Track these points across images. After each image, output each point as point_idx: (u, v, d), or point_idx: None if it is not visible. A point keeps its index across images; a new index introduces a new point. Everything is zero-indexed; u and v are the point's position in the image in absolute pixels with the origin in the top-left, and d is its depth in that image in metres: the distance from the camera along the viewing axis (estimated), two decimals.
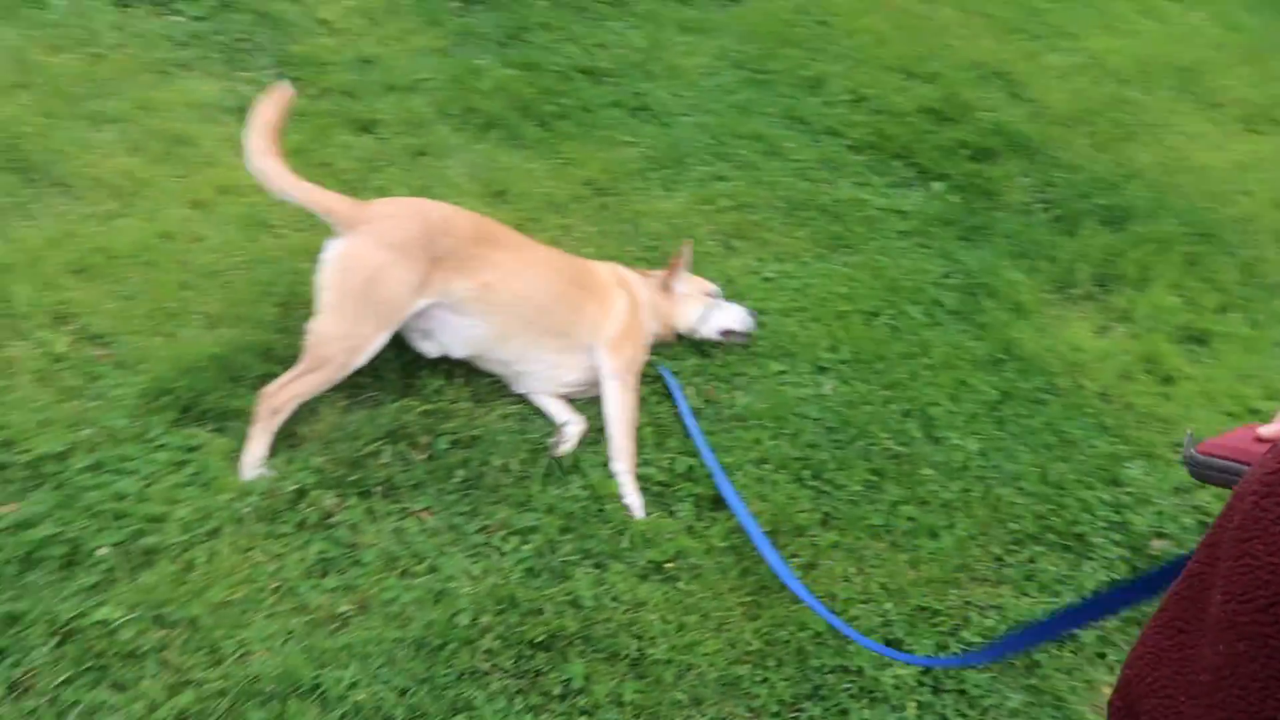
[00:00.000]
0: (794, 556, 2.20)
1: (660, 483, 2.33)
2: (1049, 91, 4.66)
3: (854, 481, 2.40)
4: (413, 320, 2.31)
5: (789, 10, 5.02)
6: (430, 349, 2.42)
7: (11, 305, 2.37)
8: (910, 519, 2.34)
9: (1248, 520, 0.75)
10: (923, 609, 2.14)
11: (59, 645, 1.76)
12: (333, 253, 2.24)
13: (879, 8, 5.27)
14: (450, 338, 2.39)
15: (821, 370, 2.77)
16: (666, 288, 2.72)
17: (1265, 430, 1.06)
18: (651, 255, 3.08)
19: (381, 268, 2.19)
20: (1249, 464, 1.06)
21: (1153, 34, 5.59)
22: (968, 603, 2.18)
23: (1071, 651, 2.15)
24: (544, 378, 2.46)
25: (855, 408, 2.63)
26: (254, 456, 2.14)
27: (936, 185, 3.82)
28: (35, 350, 2.27)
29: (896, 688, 1.98)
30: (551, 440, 2.34)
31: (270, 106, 2.24)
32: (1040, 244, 3.52)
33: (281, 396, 2.17)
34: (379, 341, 2.23)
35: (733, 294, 2.99)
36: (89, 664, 1.75)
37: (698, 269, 3.07)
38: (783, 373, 2.74)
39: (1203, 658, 0.79)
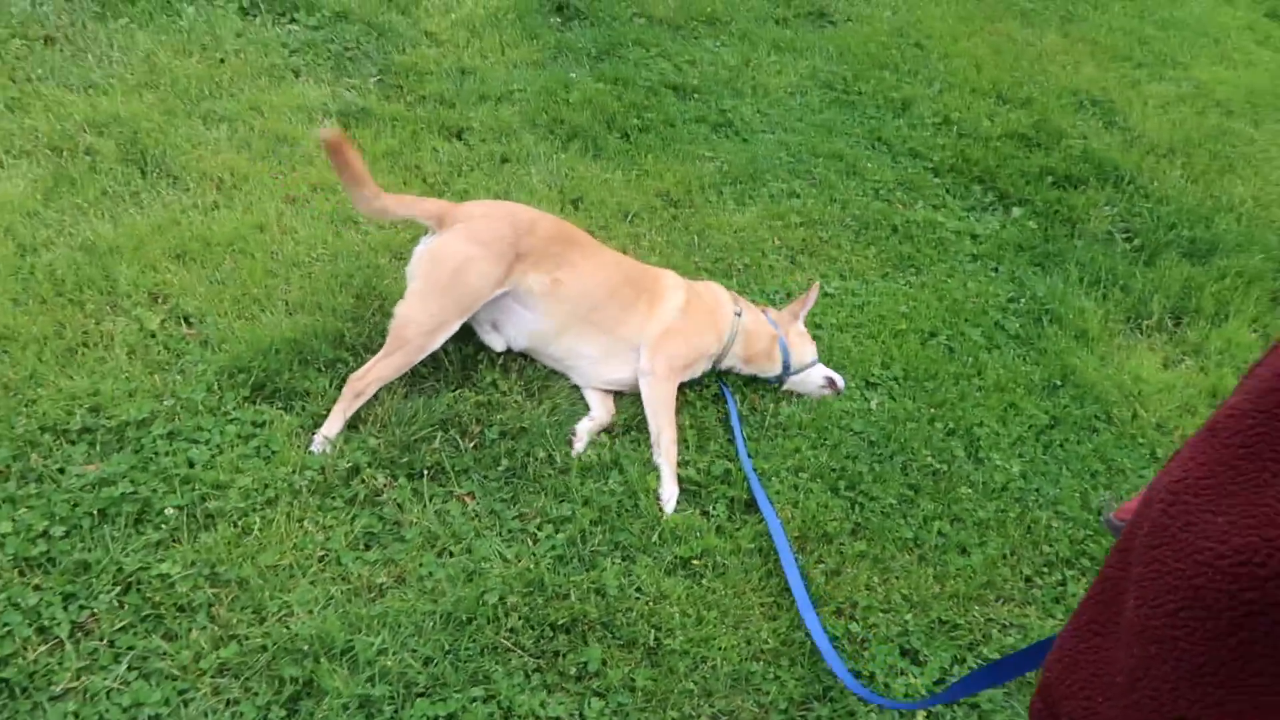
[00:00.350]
0: (819, 562, 2.23)
1: (696, 482, 2.39)
2: (1147, 120, 4.52)
3: (889, 495, 2.41)
4: (484, 312, 2.48)
5: (886, 33, 5.02)
6: (496, 342, 2.57)
7: (115, 284, 2.59)
8: (941, 534, 2.33)
9: (1156, 527, 0.77)
10: (943, 622, 2.14)
11: (122, 594, 1.93)
12: (426, 246, 2.44)
13: (980, 33, 5.21)
14: (515, 330, 2.56)
15: (871, 386, 2.78)
16: (795, 316, 2.77)
17: None
18: (716, 267, 3.15)
19: (469, 260, 2.39)
20: None
21: (1270, 65, 5.35)
22: (990, 620, 2.16)
23: None
24: (591, 373, 2.56)
25: (899, 423, 2.63)
26: (330, 432, 2.31)
27: (1016, 210, 3.77)
28: (131, 326, 2.49)
29: (907, 695, 1.99)
30: (569, 436, 2.44)
31: (346, 158, 2.42)
32: (1116, 273, 3.43)
33: (367, 380, 2.34)
34: (453, 328, 2.40)
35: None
36: (146, 613, 1.91)
37: (760, 280, 3.12)
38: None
39: (1117, 660, 0.81)
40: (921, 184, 3.85)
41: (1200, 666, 0.72)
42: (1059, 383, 2.93)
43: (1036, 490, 2.52)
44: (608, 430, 2.51)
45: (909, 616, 2.14)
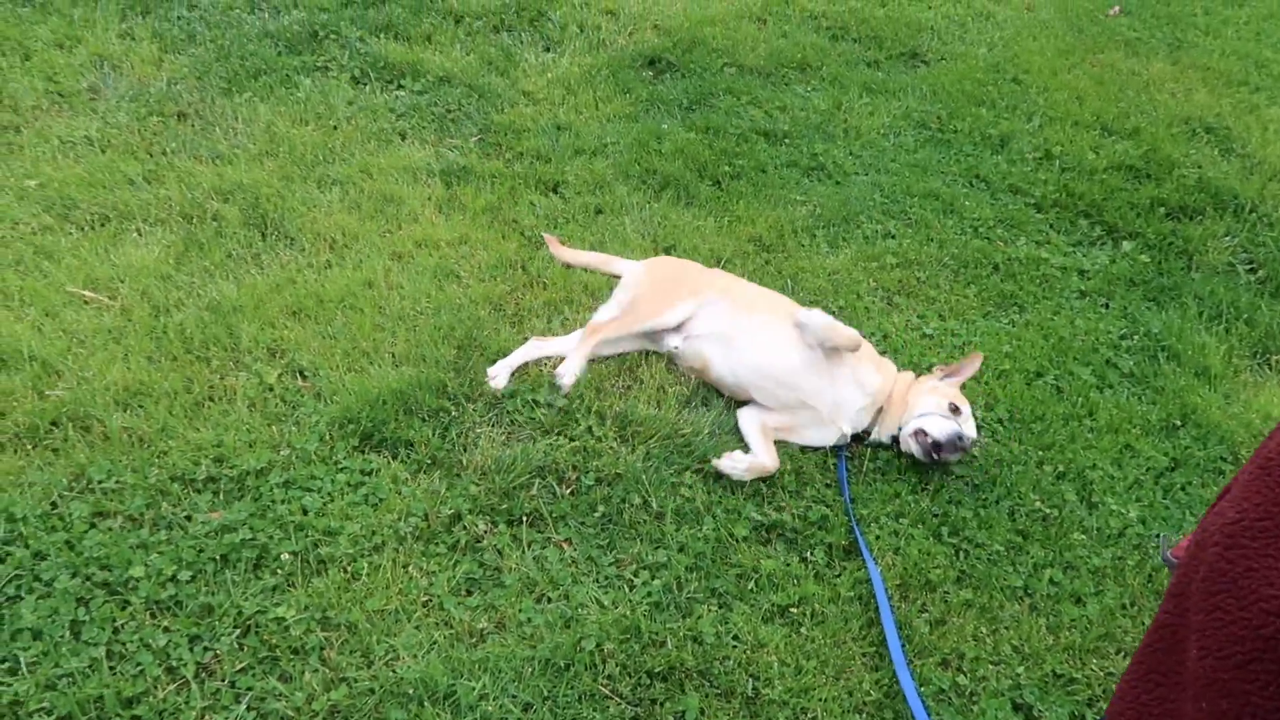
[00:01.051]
0: (923, 611, 2.17)
1: (793, 528, 2.37)
2: (1267, 146, 4.32)
3: (995, 541, 2.34)
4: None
5: (981, 70, 4.95)
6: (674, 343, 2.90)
7: (238, 341, 2.76)
8: (1053, 583, 2.25)
9: (1214, 572, 0.73)
10: (1058, 675, 2.05)
11: (242, 636, 2.03)
12: (636, 267, 3.04)
13: (1081, 65, 5.09)
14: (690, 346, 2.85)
15: (975, 428, 2.71)
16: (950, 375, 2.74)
17: None
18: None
19: (684, 266, 3.02)
20: None
21: None
22: (1109, 674, 2.06)
23: None
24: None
25: (1005, 467, 2.55)
26: (574, 369, 2.74)
27: (1126, 244, 3.64)
28: (252, 380, 2.64)
29: None
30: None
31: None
32: (1239, 306, 3.27)
33: (601, 329, 2.81)
34: (675, 312, 2.83)
35: (890, 348, 2.99)
36: (264, 655, 2.00)
37: (856, 322, 3.10)
38: None
39: (1186, 713, 0.77)
40: (1023, 220, 3.76)
41: None
42: (1179, 423, 2.80)
43: (1157, 535, 2.40)
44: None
45: (1021, 669, 2.07)
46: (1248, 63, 5.20)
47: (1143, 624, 2.19)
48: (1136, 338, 3.13)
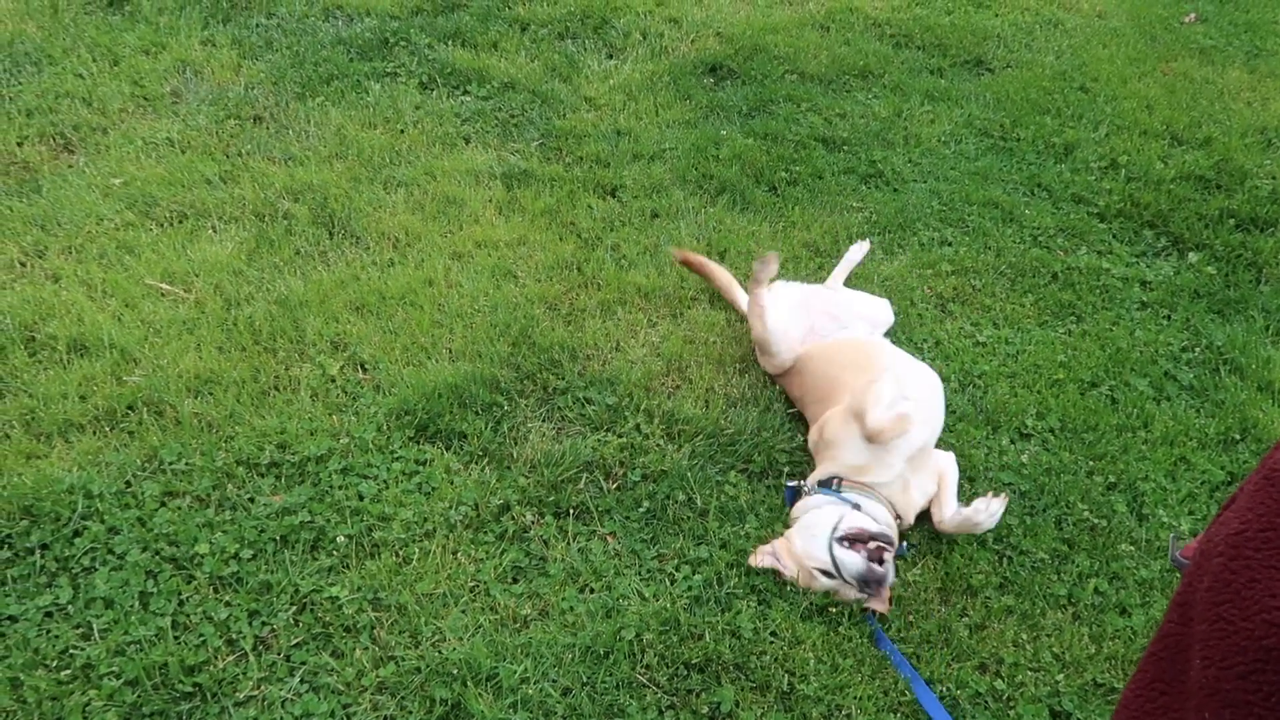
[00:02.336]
0: (963, 615, 2.17)
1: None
2: None
3: (1040, 549, 2.32)
4: None
5: (1048, 78, 4.89)
6: None
7: (303, 334, 2.87)
8: (1099, 592, 2.22)
9: (1217, 583, 0.74)
10: (1099, 684, 2.04)
11: (298, 613, 2.13)
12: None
13: (1152, 74, 4.99)
14: None
15: (1024, 436, 2.69)
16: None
17: None
18: None
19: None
20: None
21: None
22: None
23: None
24: None
25: (1054, 475, 2.53)
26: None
27: (1192, 255, 3.57)
28: (315, 371, 2.75)
29: None
30: None
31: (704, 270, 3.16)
32: None
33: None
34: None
35: (941, 355, 2.99)
36: (318, 631, 2.10)
37: (909, 329, 3.09)
38: (984, 436, 2.69)
39: None
40: (1085, 229, 3.71)
41: None
42: (1238, 437, 2.74)
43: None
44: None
45: (1060, 676, 2.05)
46: None
47: None
48: (1198, 350, 3.07)
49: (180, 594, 2.13)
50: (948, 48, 5.12)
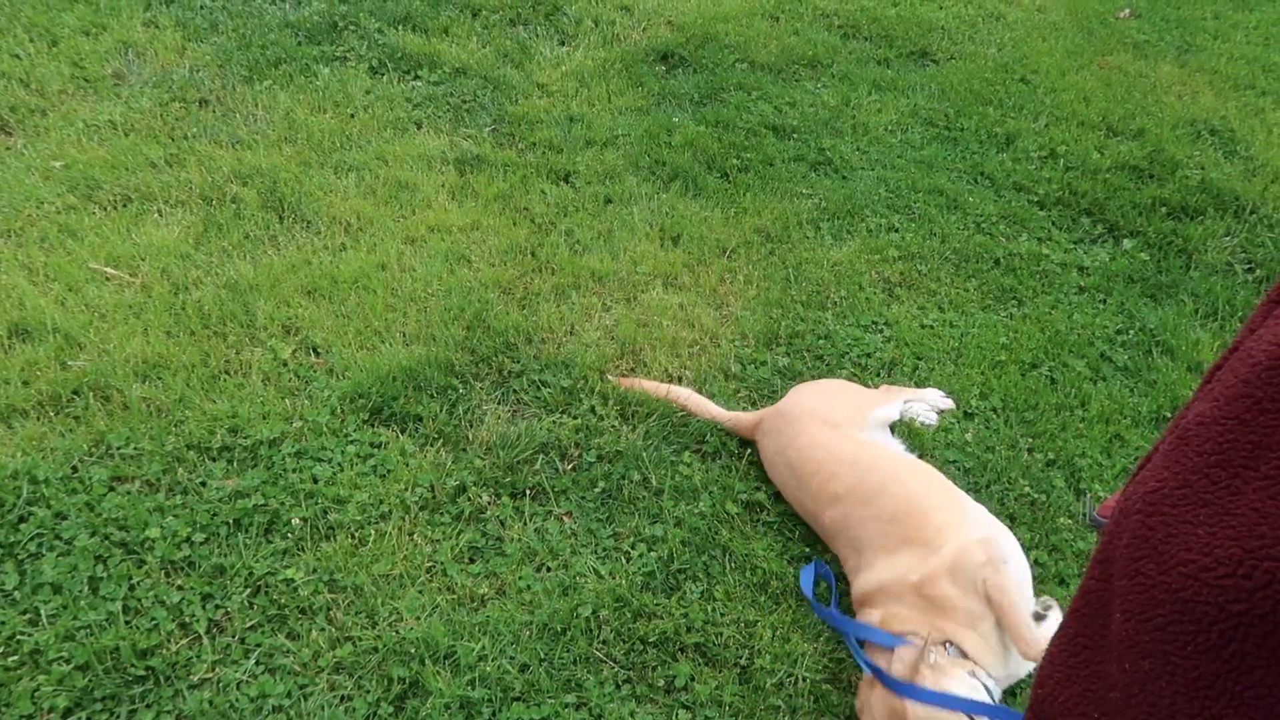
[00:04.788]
0: None
1: (782, 511, 2.44)
2: (1271, 149, 4.36)
3: None
4: None
5: (990, 69, 5.00)
6: None
7: (254, 318, 2.85)
8: (1039, 564, 2.31)
9: (1136, 539, 0.76)
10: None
11: (252, 596, 2.12)
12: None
13: (1089, 66, 5.13)
14: None
15: (968, 416, 2.77)
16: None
17: None
18: (813, 300, 3.20)
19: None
20: None
21: None
22: None
23: None
24: None
25: (996, 453, 2.62)
26: None
27: (1127, 242, 3.69)
28: (266, 355, 2.73)
29: None
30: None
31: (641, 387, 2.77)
32: (1235, 304, 3.31)
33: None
34: None
35: (888, 338, 3.06)
36: (273, 614, 2.09)
37: (857, 312, 3.16)
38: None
39: (1111, 675, 0.80)
40: (1026, 217, 3.81)
41: (1195, 680, 0.71)
42: (1169, 415, 2.85)
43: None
44: None
45: None
46: (1255, 67, 5.23)
47: None
48: (1132, 333, 3.18)
49: (131, 578, 2.10)
50: (894, 39, 5.21)
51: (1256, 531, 0.68)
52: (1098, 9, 5.85)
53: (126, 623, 2.01)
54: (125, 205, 3.28)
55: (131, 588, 2.08)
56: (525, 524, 2.35)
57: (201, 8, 4.56)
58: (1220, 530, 0.70)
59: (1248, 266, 3.60)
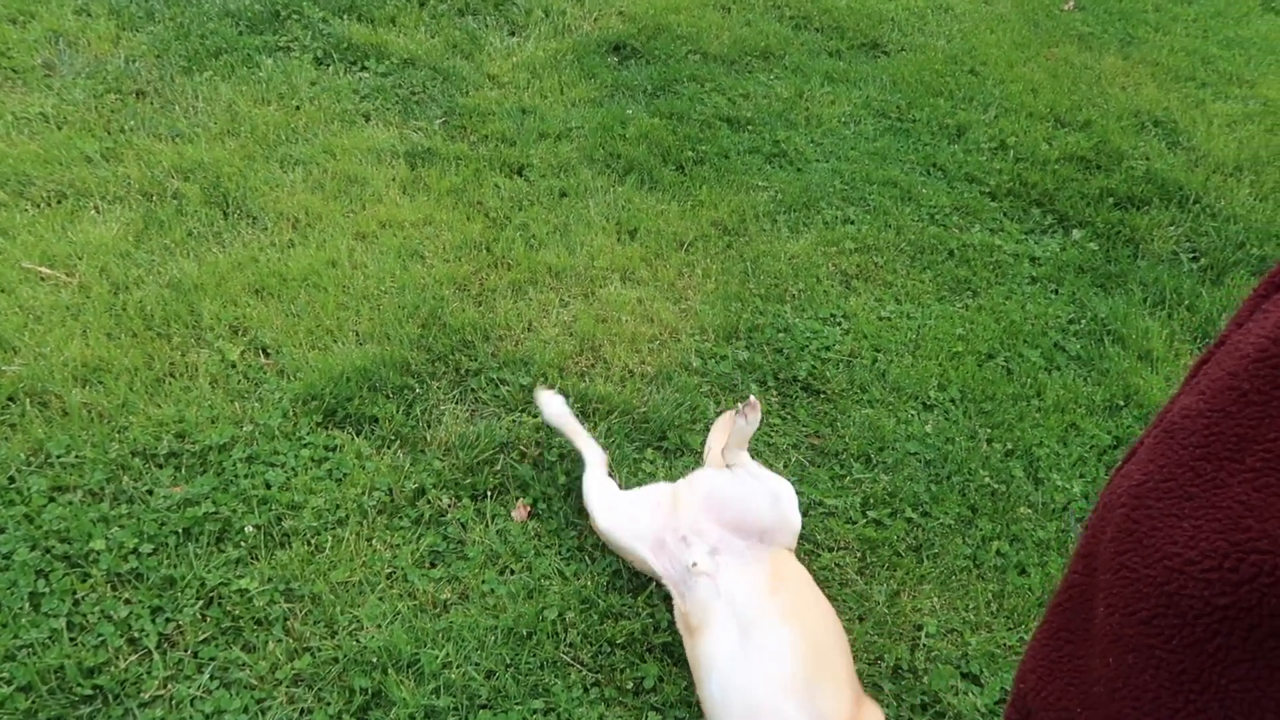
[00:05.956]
0: (881, 584, 2.24)
1: None
2: (1212, 140, 4.46)
3: (947, 515, 2.41)
4: None
5: (940, 61, 5.04)
6: None
7: (199, 319, 2.75)
8: (1000, 554, 2.33)
9: (1121, 532, 0.75)
10: (1003, 645, 2.13)
11: (204, 608, 2.04)
12: None
13: (1036, 58, 5.20)
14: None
15: (928, 408, 2.79)
16: None
17: None
18: (771, 293, 3.19)
19: None
20: None
21: None
22: None
23: None
24: None
25: (956, 444, 2.63)
26: None
27: (1076, 232, 3.74)
28: (214, 357, 2.64)
29: (977, 710, 1.99)
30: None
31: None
32: (1181, 293, 3.38)
33: None
34: None
35: (847, 331, 3.06)
36: (227, 626, 2.02)
37: (815, 305, 3.16)
38: (892, 408, 2.78)
39: (1094, 669, 0.79)
40: (978, 208, 3.85)
41: (1180, 674, 0.70)
42: (1122, 403, 2.90)
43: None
44: None
45: (972, 639, 2.14)
46: (1195, 59, 5.35)
47: None
48: (1084, 322, 3.23)
49: (75, 593, 2.01)
50: (845, 30, 5.22)
51: (1242, 524, 0.66)
52: (1043, 1, 5.94)
53: (71, 640, 1.93)
54: (60, 202, 3.15)
55: (76, 603, 2.00)
56: (487, 526, 2.31)
57: None
58: (1205, 523, 0.69)
59: (1192, 255, 3.68)
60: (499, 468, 2.45)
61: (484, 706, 1.92)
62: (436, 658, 1.99)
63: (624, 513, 2.20)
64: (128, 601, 2.01)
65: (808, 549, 2.34)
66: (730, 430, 2.28)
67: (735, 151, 4.04)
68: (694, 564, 2.01)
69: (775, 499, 2.13)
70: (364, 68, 4.31)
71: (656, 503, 2.22)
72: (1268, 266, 3.56)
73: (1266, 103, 4.91)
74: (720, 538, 2.08)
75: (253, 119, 3.76)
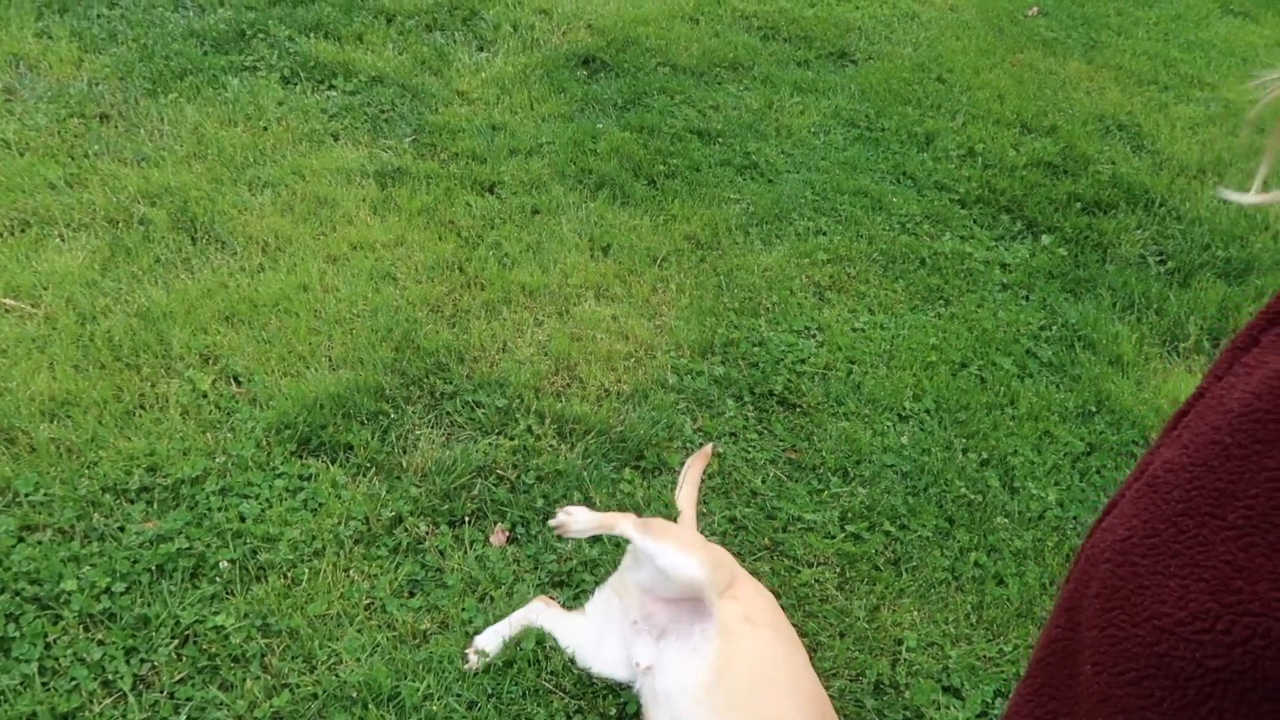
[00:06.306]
0: (859, 599, 2.25)
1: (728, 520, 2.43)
2: (1176, 143, 4.52)
3: (925, 527, 2.43)
4: None
5: (907, 69, 5.08)
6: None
7: (169, 348, 2.72)
8: (978, 565, 2.34)
9: (1106, 589, 0.74)
10: (983, 657, 2.14)
11: (180, 647, 2.01)
12: None
13: (1001, 64, 5.25)
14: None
15: (903, 419, 2.80)
16: None
17: None
18: (745, 307, 3.20)
19: None
20: None
21: None
22: (1030, 646, 2.16)
23: None
24: None
25: (932, 455, 2.65)
26: None
27: (1045, 238, 3.78)
28: (184, 387, 2.61)
29: None
30: None
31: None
32: (1149, 297, 3.42)
33: None
34: None
35: (821, 343, 3.07)
36: (203, 664, 1.99)
37: (789, 318, 3.17)
38: (867, 420, 2.79)
39: None
40: (948, 216, 3.88)
41: None
42: (1094, 409, 2.93)
43: (1074, 518, 2.52)
44: None
45: (953, 652, 2.15)
46: (1157, 62, 5.42)
47: None
48: (1055, 328, 3.26)
49: (46, 636, 1.98)
50: (813, 40, 5.25)
51: (1232, 586, 0.66)
52: (1007, 7, 6.00)
53: (44, 685, 1.89)
54: (23, 230, 3.10)
55: (48, 646, 1.96)
56: (466, 552, 2.29)
57: (99, 16, 4.35)
58: (1193, 583, 0.68)
59: (1159, 258, 3.72)
60: (476, 492, 2.44)
61: None
62: (417, 690, 1.97)
63: (591, 650, 2.05)
64: (101, 643, 1.98)
65: (788, 565, 2.35)
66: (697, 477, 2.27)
67: (707, 164, 4.05)
68: (638, 664, 1.91)
69: (662, 573, 1.92)
70: (332, 86, 4.28)
71: (607, 605, 2.09)
72: (1233, 268, 3.62)
73: (1227, 104, 4.99)
74: (668, 616, 1.95)
75: (219, 141, 3.72)
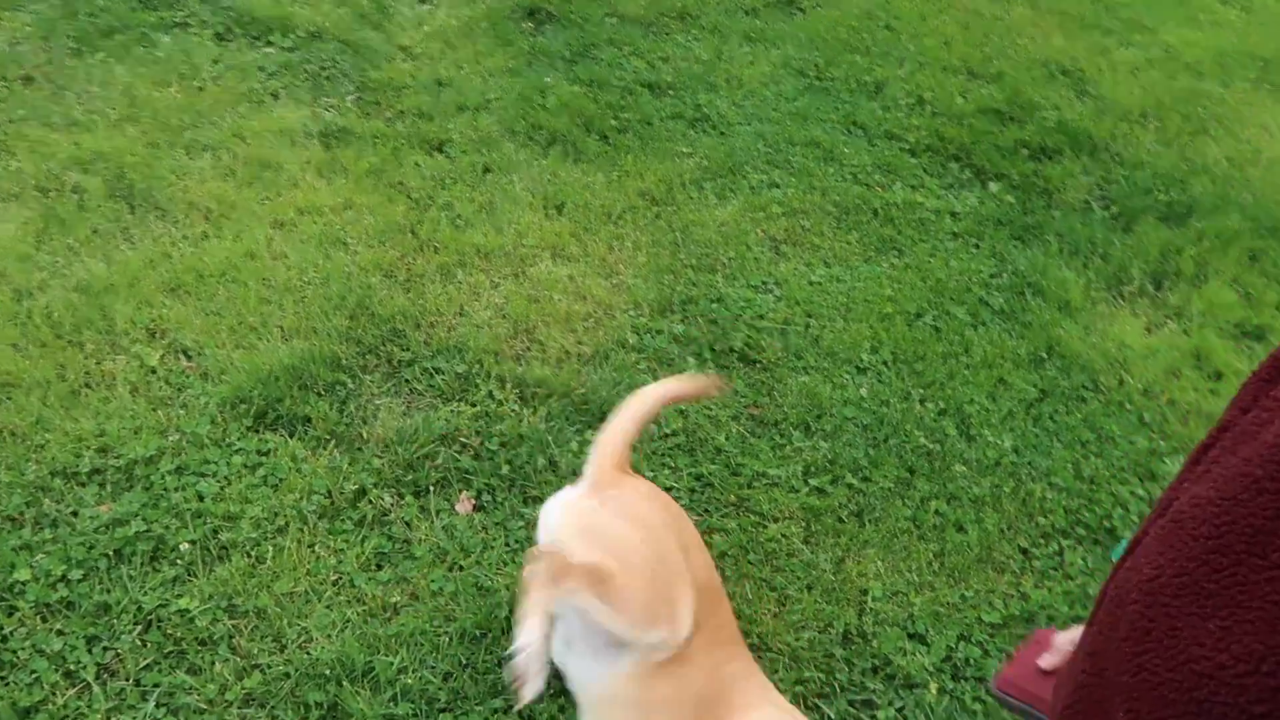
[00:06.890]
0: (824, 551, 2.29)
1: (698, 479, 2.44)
2: (1117, 88, 4.57)
3: (886, 478, 2.47)
4: None
5: (855, 17, 5.05)
6: None
7: (113, 323, 2.63)
8: (939, 513, 2.39)
9: (1135, 632, 0.72)
10: (946, 603, 2.20)
11: (143, 632, 1.98)
12: None
13: (948, 10, 5.25)
14: None
15: (861, 371, 2.83)
16: None
17: (1045, 662, 1.07)
18: (702, 264, 3.19)
19: None
20: (1043, 705, 1.03)
21: (1236, 25, 5.41)
22: (990, 591, 2.23)
23: None
24: None
25: (891, 406, 2.69)
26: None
27: (993, 185, 3.82)
28: (132, 363, 2.53)
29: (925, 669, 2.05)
30: None
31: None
32: (1095, 242, 3.49)
33: None
34: None
35: (779, 298, 3.08)
36: (169, 650, 1.96)
37: (746, 273, 3.16)
38: (826, 374, 2.81)
39: None
40: (899, 165, 3.89)
41: None
42: (1045, 355, 2.99)
43: (1029, 464, 2.58)
44: None
45: (917, 600, 2.20)
46: (1099, 6, 5.46)
47: (1019, 545, 2.37)
48: (1005, 276, 3.31)
49: (2, 628, 1.93)
50: None
51: (1279, 627, 0.63)
52: None
53: (2, 679, 1.85)
54: None
55: (4, 639, 1.91)
56: (432, 522, 2.28)
57: None
58: (1234, 625, 0.66)
59: (1104, 203, 3.79)
60: (440, 461, 2.42)
61: (444, 710, 1.92)
62: (391, 664, 1.97)
63: None
64: (60, 633, 1.94)
65: (754, 521, 2.37)
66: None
67: (658, 118, 4.00)
68: None
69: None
70: (269, 43, 4.13)
71: None
72: (1174, 212, 3.69)
73: (1167, 49, 5.05)
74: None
75: (153, 103, 3.58)
